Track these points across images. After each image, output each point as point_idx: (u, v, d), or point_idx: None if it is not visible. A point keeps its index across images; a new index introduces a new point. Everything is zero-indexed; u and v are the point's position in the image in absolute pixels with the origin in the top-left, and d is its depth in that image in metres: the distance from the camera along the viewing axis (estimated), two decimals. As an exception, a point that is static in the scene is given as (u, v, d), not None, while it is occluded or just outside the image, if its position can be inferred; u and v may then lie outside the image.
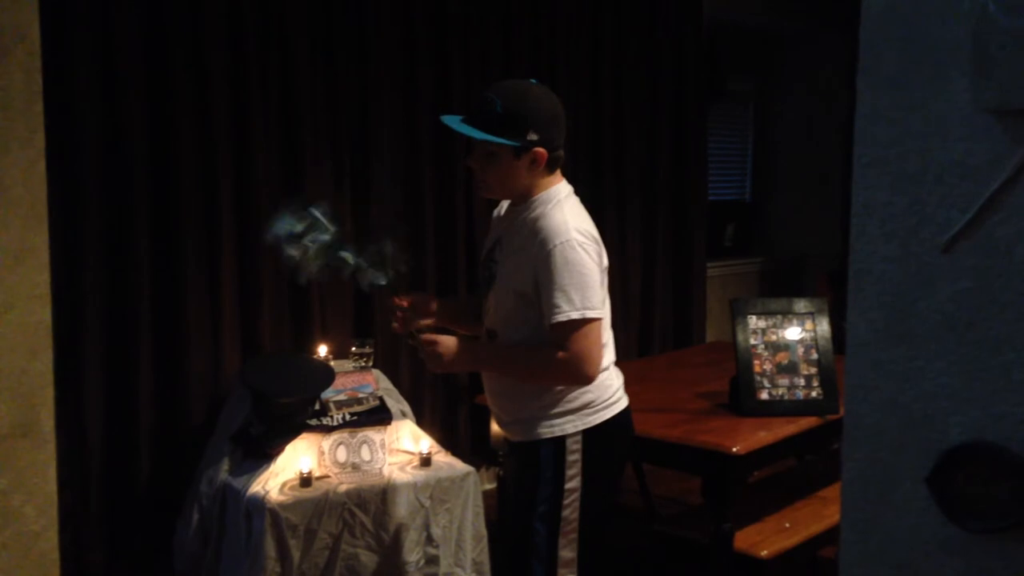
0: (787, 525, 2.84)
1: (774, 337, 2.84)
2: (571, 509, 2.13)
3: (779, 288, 5.95)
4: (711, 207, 5.50)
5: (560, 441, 2.11)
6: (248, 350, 3.36)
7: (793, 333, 2.85)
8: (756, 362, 2.80)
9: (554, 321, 2.01)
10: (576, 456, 2.11)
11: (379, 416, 2.91)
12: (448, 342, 2.11)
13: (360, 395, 2.95)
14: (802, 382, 2.80)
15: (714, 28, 5.38)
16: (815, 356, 2.82)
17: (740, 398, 2.77)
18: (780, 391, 2.79)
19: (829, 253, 5.62)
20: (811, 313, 2.87)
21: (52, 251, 2.44)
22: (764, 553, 2.65)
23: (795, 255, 6.09)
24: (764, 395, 2.77)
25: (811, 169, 6.03)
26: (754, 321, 2.85)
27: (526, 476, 2.16)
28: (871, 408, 1.06)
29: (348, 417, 2.86)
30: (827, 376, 2.79)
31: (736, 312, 2.86)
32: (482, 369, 2.22)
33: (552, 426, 2.11)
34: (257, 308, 3.39)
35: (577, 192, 2.21)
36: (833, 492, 3.04)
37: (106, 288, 3.07)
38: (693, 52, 5.05)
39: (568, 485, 2.12)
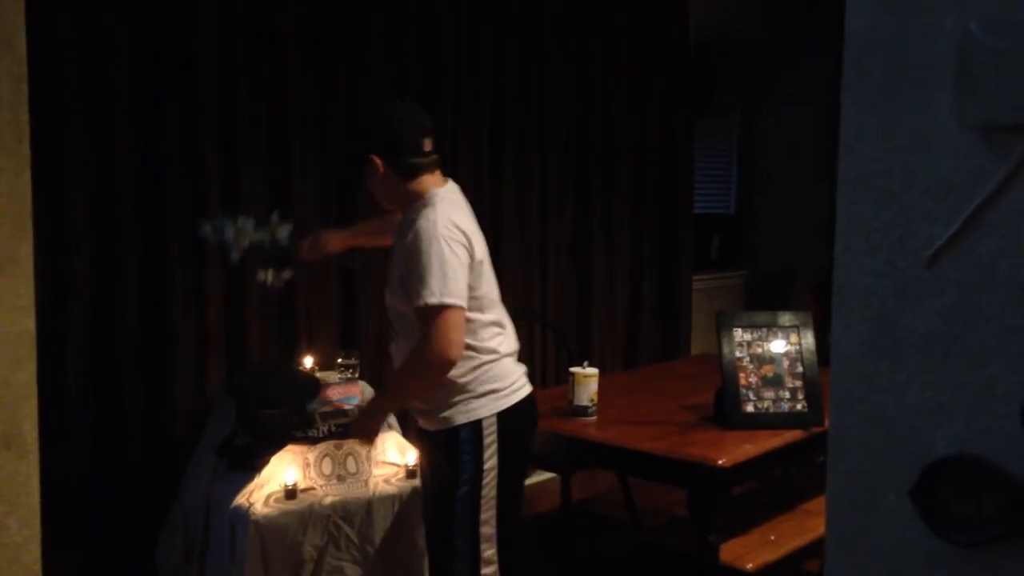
0: (772, 538, 2.84)
1: (759, 350, 2.85)
2: (489, 487, 2.35)
3: (764, 301, 5.98)
4: (697, 220, 5.52)
5: (477, 424, 2.32)
6: (234, 361, 3.34)
7: (778, 346, 2.86)
8: (741, 375, 2.81)
9: (416, 306, 2.20)
10: (492, 438, 2.33)
11: (365, 428, 2.90)
12: (355, 420, 2.50)
13: (346, 407, 2.94)
14: (787, 395, 2.81)
15: (701, 44, 5.42)
16: (800, 369, 2.83)
17: (725, 411, 2.78)
18: (765, 404, 2.79)
19: (814, 266, 5.65)
20: (796, 326, 2.88)
21: (37, 261, 2.42)
22: (749, 566, 2.65)
23: (780, 268, 6.12)
24: (749, 408, 2.78)
25: (796, 182, 6.07)
26: (740, 334, 2.86)
27: (447, 460, 2.34)
28: (856, 421, 1.06)
29: (334, 429, 2.85)
30: (812, 389, 2.80)
31: (722, 325, 2.87)
32: (389, 407, 2.52)
33: (469, 412, 2.32)
34: (243, 319, 3.38)
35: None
36: (818, 505, 3.04)
37: (91, 298, 3.05)
38: (680, 67, 5.08)
39: (487, 465, 2.33)
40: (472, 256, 2.28)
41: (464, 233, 2.28)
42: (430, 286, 2.17)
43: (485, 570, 2.39)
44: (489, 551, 2.38)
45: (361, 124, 2.56)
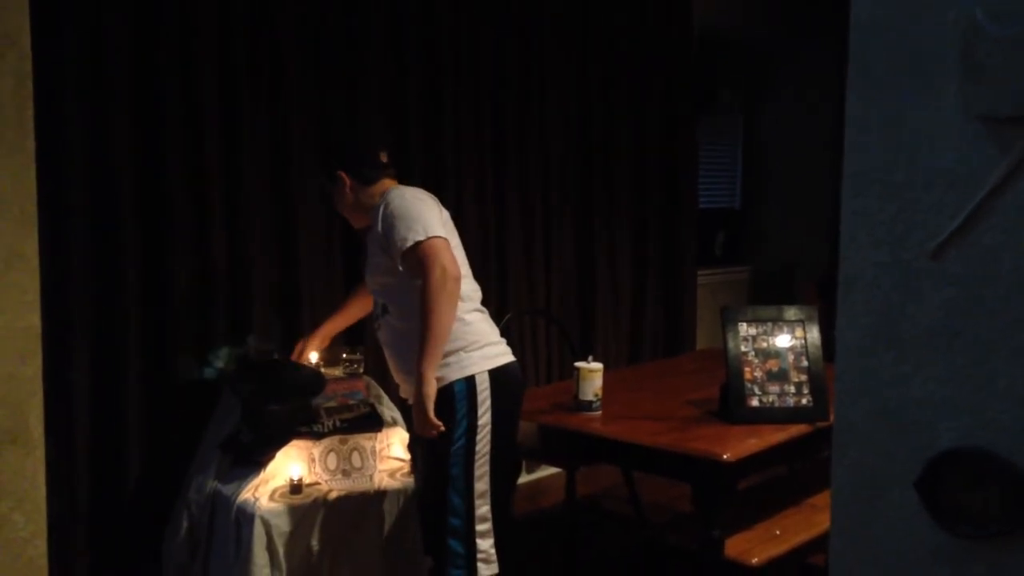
0: (777, 532, 2.84)
1: (764, 344, 2.85)
2: (483, 443, 2.47)
3: (768, 296, 5.97)
4: (701, 215, 5.52)
5: (471, 380, 2.46)
6: (238, 358, 3.34)
7: (783, 340, 2.86)
8: (746, 369, 2.81)
9: (404, 250, 2.39)
10: (486, 394, 2.47)
11: (370, 423, 2.91)
12: (415, 411, 2.43)
13: (351, 402, 2.94)
14: (792, 389, 2.81)
15: (704, 39, 5.41)
16: (805, 363, 2.83)
17: (730, 405, 2.77)
18: (770, 398, 2.79)
19: (817, 261, 5.65)
20: (801, 320, 2.88)
21: (41, 257, 2.43)
22: (754, 560, 2.65)
23: (784, 263, 6.12)
24: (754, 402, 2.78)
25: (800, 178, 6.06)
26: (744, 328, 2.86)
27: (443, 417, 2.43)
28: (860, 414, 1.06)
29: (339, 424, 2.86)
30: (817, 384, 2.80)
31: (727, 320, 2.87)
32: (429, 369, 2.40)
33: (463, 367, 2.47)
34: (247, 315, 3.38)
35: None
36: (823, 500, 3.04)
37: (95, 294, 3.05)
38: (683, 63, 5.07)
39: (480, 421, 2.46)
40: (440, 212, 2.54)
41: (425, 193, 2.57)
42: (412, 228, 2.40)
43: (480, 526, 2.49)
44: (483, 507, 2.49)
45: (326, 145, 2.91)
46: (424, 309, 2.38)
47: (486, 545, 2.51)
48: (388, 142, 2.71)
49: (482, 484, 2.48)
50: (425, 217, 2.43)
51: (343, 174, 2.64)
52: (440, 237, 2.42)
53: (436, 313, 2.36)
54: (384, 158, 2.67)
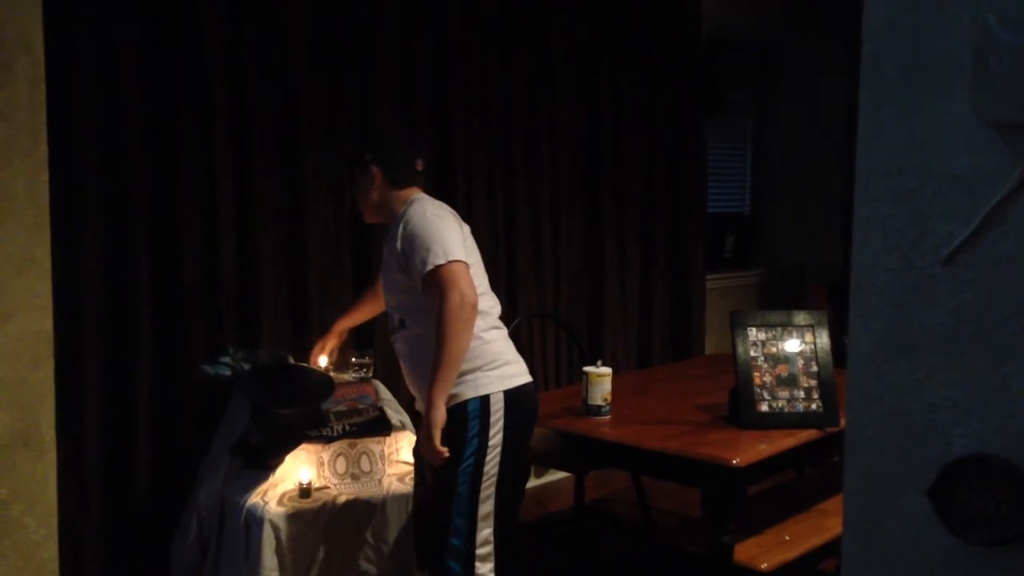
0: (787, 538, 2.83)
1: (774, 349, 2.84)
2: (492, 464, 2.42)
3: (778, 300, 5.96)
4: (710, 219, 5.51)
5: (486, 399, 2.42)
6: (247, 361, 3.35)
7: (793, 345, 2.85)
8: (756, 374, 2.80)
9: (425, 273, 2.35)
10: (499, 415, 2.43)
11: (379, 427, 2.91)
12: (421, 435, 2.41)
13: (360, 406, 2.94)
14: (802, 394, 2.80)
15: (713, 41, 5.41)
16: (815, 368, 2.82)
17: (740, 410, 2.77)
18: (780, 403, 2.78)
19: (827, 266, 5.63)
20: (811, 325, 2.87)
21: (54, 261, 2.45)
22: (764, 566, 2.64)
23: (794, 268, 6.10)
24: (764, 407, 2.77)
25: (810, 181, 6.05)
26: (754, 333, 2.85)
27: (454, 435, 2.38)
28: (873, 420, 1.06)
29: (348, 428, 2.86)
30: (827, 388, 2.79)
31: (736, 324, 2.86)
32: (442, 395, 2.37)
33: (478, 386, 2.42)
34: (256, 319, 3.39)
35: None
36: (833, 505, 3.03)
37: (106, 298, 3.07)
38: (691, 65, 5.07)
39: (492, 441, 2.42)
40: (460, 229, 2.50)
41: (447, 211, 2.53)
42: (433, 251, 2.36)
43: (480, 549, 2.44)
44: (486, 530, 2.44)
45: (368, 137, 2.89)
46: (439, 334, 2.33)
47: (485, 569, 2.45)
48: (425, 153, 2.69)
49: (487, 506, 2.43)
50: (446, 239, 2.38)
51: (376, 168, 2.57)
52: (460, 261, 2.37)
53: (451, 339, 2.32)
54: (419, 166, 2.62)
